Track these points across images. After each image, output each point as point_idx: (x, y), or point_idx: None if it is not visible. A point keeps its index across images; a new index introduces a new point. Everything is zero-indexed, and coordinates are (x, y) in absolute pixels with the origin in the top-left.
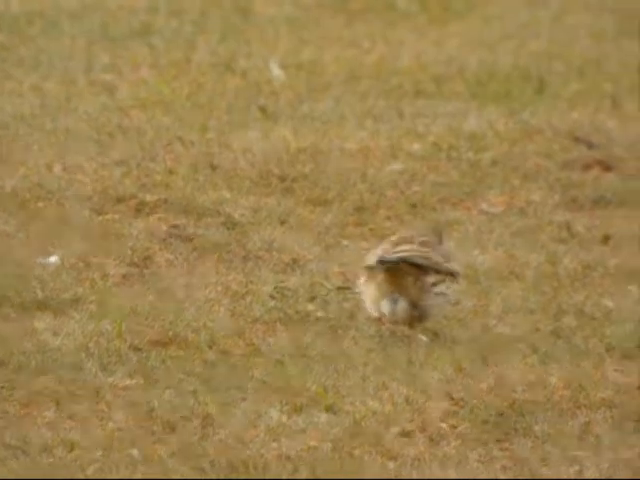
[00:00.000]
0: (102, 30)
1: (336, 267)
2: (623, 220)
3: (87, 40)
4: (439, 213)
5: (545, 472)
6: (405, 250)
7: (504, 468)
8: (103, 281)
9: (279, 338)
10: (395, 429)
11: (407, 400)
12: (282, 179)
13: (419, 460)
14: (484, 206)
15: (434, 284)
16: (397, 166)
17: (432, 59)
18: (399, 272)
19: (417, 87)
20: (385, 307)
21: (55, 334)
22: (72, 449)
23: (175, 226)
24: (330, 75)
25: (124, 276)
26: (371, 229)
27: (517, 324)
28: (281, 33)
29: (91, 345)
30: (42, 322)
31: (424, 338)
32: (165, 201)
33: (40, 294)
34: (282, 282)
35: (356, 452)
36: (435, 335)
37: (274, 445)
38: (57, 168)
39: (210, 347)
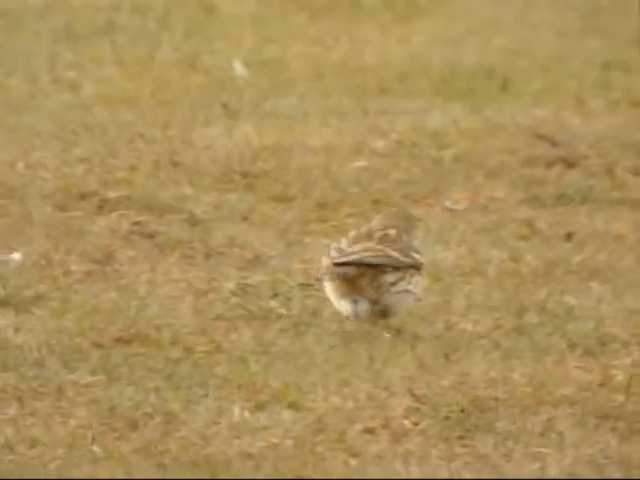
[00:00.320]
0: (66, 27)
1: (298, 264)
2: (586, 217)
3: (51, 37)
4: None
5: (507, 469)
6: (360, 250)
7: (466, 464)
8: (65, 278)
9: (241, 335)
10: (357, 426)
11: (369, 397)
12: (244, 176)
13: (381, 457)
14: (447, 203)
15: (393, 283)
16: (360, 163)
17: (396, 56)
18: (355, 273)
19: (381, 84)
20: (346, 308)
21: (17, 331)
22: (34, 446)
23: (137, 223)
24: (294, 72)
25: (86, 273)
26: (334, 226)
27: (479, 321)
28: (245, 30)
29: (53, 342)
30: (4, 319)
31: (387, 335)
32: (127, 198)
33: (2, 291)
34: (244, 279)
35: (318, 449)
36: (398, 332)
37: (236, 442)
38: (20, 165)
39: (172, 344)
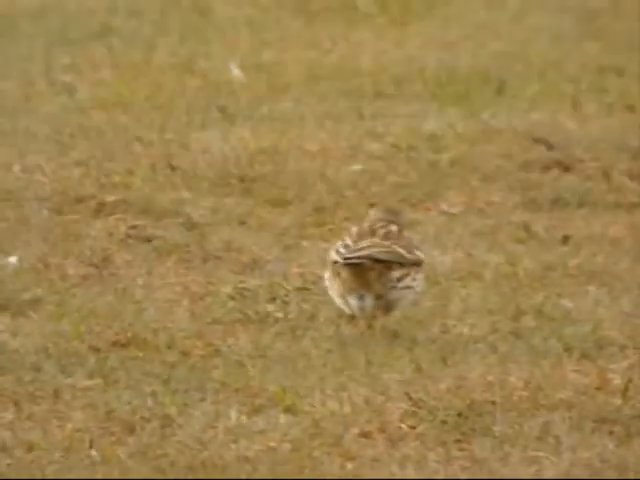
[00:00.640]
0: (61, 31)
1: (295, 267)
2: (582, 221)
3: (46, 41)
4: None
5: (504, 472)
6: (368, 246)
7: (463, 468)
8: (62, 282)
9: (238, 339)
10: (354, 430)
11: (366, 401)
12: (241, 179)
13: (378, 460)
14: (443, 207)
15: (399, 279)
16: (357, 166)
17: (392, 60)
18: (364, 268)
19: (377, 88)
20: (352, 304)
21: (14, 335)
22: (31, 450)
23: (134, 227)
24: (290, 76)
25: (83, 277)
26: (330, 229)
27: (476, 324)
28: (241, 34)
29: (50, 346)
30: (1, 323)
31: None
32: (124, 201)
33: None
34: (241, 283)
35: (315, 453)
36: (394, 336)
37: (233, 446)
38: (16, 168)
39: (169, 348)
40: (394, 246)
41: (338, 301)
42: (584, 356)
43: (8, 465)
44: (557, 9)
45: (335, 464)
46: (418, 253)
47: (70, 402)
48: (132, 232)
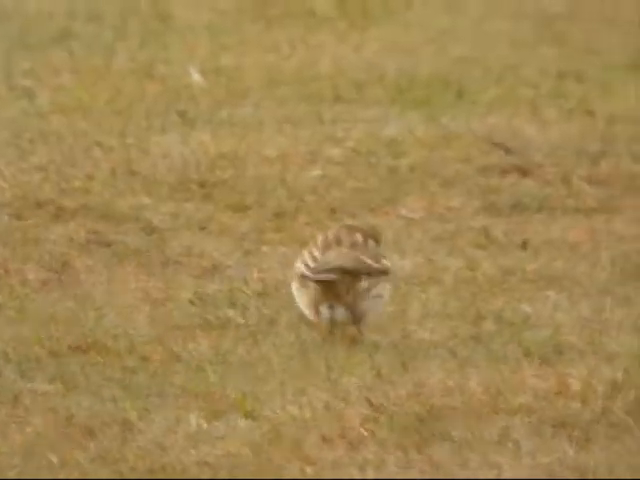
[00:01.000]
0: (20, 35)
1: (256, 272)
2: (541, 225)
3: (6, 46)
4: (358, 218)
5: (463, 477)
6: (336, 257)
7: (422, 473)
8: (22, 287)
9: (199, 344)
10: (314, 435)
11: (326, 406)
12: (201, 185)
13: (338, 465)
14: (403, 212)
15: (368, 289)
16: (316, 172)
17: (352, 64)
18: (334, 280)
19: (337, 92)
20: (323, 315)
21: None
22: None
23: (94, 232)
24: (249, 80)
25: (43, 282)
26: (290, 235)
27: (436, 329)
28: (200, 38)
29: (10, 351)
30: None
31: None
32: (84, 207)
33: None
34: (201, 288)
35: (275, 458)
36: (354, 341)
37: (193, 451)
38: None
39: (130, 353)
40: (363, 256)
41: (307, 312)
42: (543, 361)
43: None
44: (516, 15)
45: (295, 468)
46: (385, 262)
47: (30, 407)
48: (92, 237)
